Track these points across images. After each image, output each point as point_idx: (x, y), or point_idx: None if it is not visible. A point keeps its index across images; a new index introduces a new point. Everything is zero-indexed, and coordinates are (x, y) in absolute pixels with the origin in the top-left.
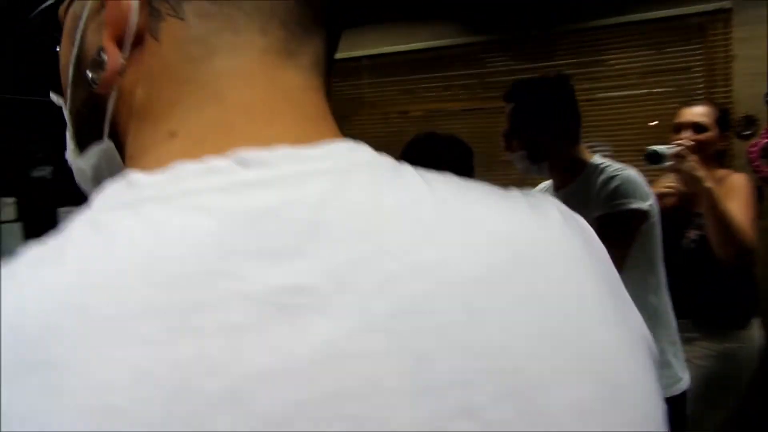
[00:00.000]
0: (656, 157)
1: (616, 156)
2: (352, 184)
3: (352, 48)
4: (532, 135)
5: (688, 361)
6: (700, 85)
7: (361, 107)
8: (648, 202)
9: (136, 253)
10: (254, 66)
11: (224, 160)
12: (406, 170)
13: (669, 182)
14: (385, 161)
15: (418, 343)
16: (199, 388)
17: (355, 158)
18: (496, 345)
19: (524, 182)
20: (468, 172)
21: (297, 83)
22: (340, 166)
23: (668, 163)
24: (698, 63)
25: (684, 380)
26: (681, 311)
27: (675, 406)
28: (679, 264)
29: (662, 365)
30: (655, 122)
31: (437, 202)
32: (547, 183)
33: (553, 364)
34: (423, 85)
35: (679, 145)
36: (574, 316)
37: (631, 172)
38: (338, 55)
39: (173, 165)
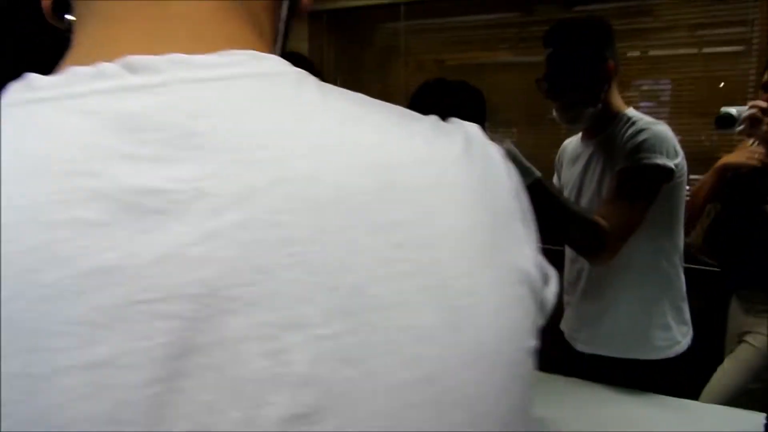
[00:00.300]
0: (728, 121)
1: (668, 118)
2: (235, 94)
3: None
4: (571, 80)
5: (758, 333)
6: (755, 39)
7: (397, 55)
8: (675, 161)
9: (12, 151)
10: None
11: (114, 65)
12: (309, 86)
13: (754, 148)
14: (290, 74)
15: (261, 255)
16: (44, 276)
17: (252, 68)
18: (337, 264)
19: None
20: (480, 119)
21: None
22: (231, 74)
23: (740, 128)
24: (755, 15)
25: (682, 344)
26: (759, 283)
27: (671, 367)
28: (760, 232)
29: (662, 328)
30: (722, 84)
31: (324, 120)
32: (575, 138)
33: (397, 288)
34: (461, 33)
35: (753, 107)
36: (434, 245)
37: (662, 128)
38: (374, 1)
39: (68, 69)
